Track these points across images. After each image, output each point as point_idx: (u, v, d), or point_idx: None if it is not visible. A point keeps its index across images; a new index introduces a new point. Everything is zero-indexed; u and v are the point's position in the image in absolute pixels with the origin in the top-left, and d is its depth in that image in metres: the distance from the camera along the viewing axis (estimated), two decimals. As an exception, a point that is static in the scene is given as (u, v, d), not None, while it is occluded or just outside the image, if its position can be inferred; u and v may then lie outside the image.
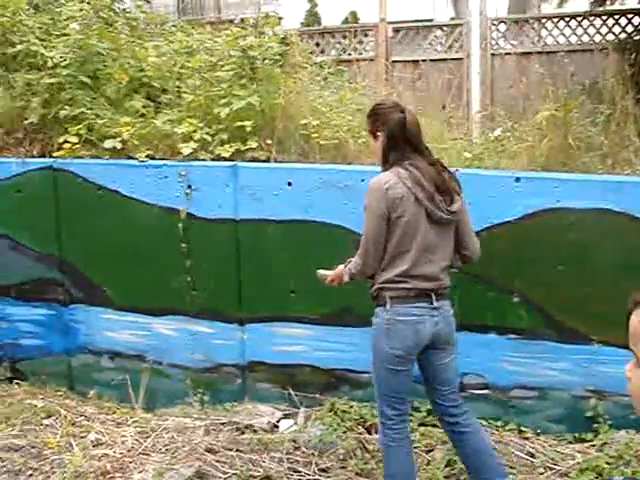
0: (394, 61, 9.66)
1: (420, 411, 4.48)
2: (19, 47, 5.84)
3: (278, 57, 5.57)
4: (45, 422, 4.92)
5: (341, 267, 3.60)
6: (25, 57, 5.88)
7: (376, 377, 3.50)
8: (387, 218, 3.31)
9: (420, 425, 4.46)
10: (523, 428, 4.38)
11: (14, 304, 5.42)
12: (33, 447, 4.58)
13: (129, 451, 4.50)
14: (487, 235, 4.17)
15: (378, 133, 3.45)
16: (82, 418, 4.87)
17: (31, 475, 4.31)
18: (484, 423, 4.35)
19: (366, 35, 10.14)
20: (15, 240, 5.31)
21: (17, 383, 5.47)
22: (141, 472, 4.25)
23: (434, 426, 4.40)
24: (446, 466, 4.08)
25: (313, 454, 4.25)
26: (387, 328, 3.37)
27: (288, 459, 4.27)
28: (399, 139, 3.36)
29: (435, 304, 3.39)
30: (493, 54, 9.61)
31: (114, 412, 5.02)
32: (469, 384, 4.48)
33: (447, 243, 3.45)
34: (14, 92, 5.63)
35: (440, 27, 10.51)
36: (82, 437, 4.65)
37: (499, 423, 4.41)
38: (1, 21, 5.99)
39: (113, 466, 4.31)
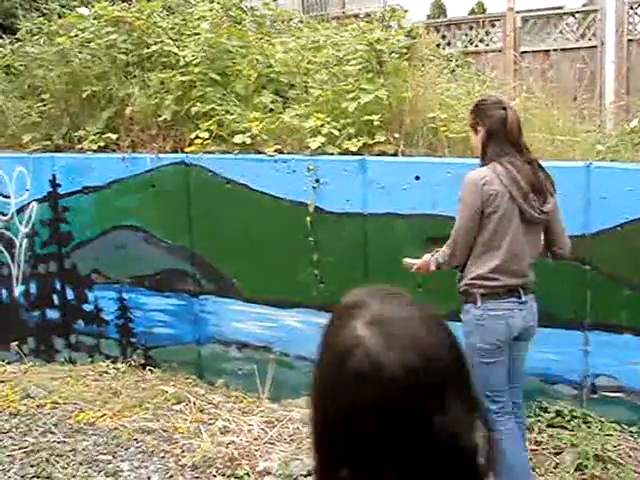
0: (523, 52, 9.35)
1: (548, 412, 4.37)
2: (153, 48, 6.08)
3: (405, 50, 5.54)
4: (175, 408, 5.10)
5: (428, 256, 3.62)
6: (159, 57, 6.11)
7: (475, 374, 3.41)
8: (480, 213, 3.35)
9: (548, 426, 4.33)
10: (661, 435, 4.18)
11: (147, 294, 5.64)
12: (165, 431, 4.77)
13: (255, 439, 4.60)
14: (621, 232, 4.00)
15: (479, 128, 3.48)
16: (210, 406, 5.02)
17: (163, 457, 4.49)
18: (617, 428, 4.18)
19: (493, 26, 9.90)
20: (149, 233, 5.53)
21: (150, 369, 5.69)
22: (266, 460, 4.33)
23: (563, 428, 4.27)
24: (576, 470, 3.94)
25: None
26: (479, 323, 3.41)
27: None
28: (499, 135, 3.38)
29: (523, 298, 3.43)
30: (630, 40, 9.12)
31: (241, 401, 5.14)
32: (601, 386, 4.31)
33: (536, 241, 3.48)
34: (148, 91, 5.85)
35: (572, 14, 10.09)
36: (210, 424, 4.80)
37: (634, 429, 4.22)
38: (138, 24, 6.24)
39: (240, 453, 4.41)
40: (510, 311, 3.40)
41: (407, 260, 3.76)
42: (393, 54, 5.42)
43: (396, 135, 4.88)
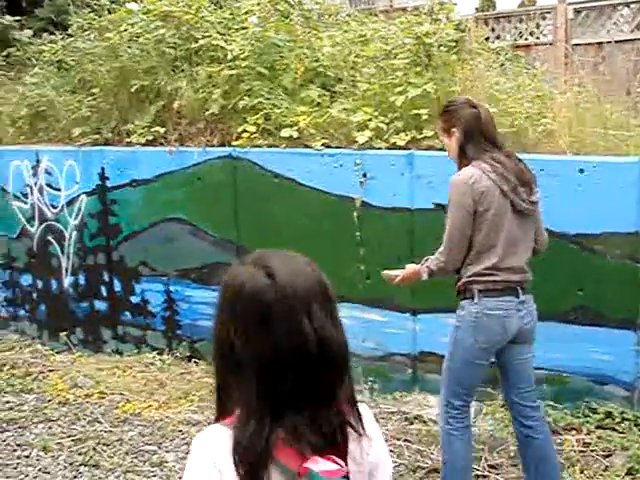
0: (574, 44, 9.18)
1: (598, 413, 4.30)
2: (201, 42, 6.11)
3: (453, 44, 5.47)
4: (220, 400, 5.12)
5: (413, 265, 3.58)
6: (206, 51, 6.14)
7: (449, 368, 3.47)
8: (473, 212, 3.29)
9: (597, 428, 4.25)
10: None
11: (193, 287, 5.69)
12: (209, 423, 4.78)
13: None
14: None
15: (453, 129, 3.42)
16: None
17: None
18: None
19: (544, 18, 9.74)
20: (195, 226, 5.57)
21: (195, 362, 5.75)
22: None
23: (613, 430, 4.18)
24: (627, 474, 3.86)
25: (483, 449, 4.16)
26: (474, 321, 3.35)
27: (457, 452, 4.21)
28: (475, 133, 3.34)
29: (521, 297, 3.36)
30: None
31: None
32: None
33: (529, 235, 3.44)
34: (196, 85, 5.89)
35: (627, 4, 9.87)
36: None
37: None
38: (186, 18, 6.28)
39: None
40: (507, 311, 3.34)
41: (387, 272, 3.69)
42: (441, 48, 5.36)
43: (444, 129, 4.82)
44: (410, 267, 3.59)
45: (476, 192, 3.25)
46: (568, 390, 4.40)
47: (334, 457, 1.28)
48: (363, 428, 1.40)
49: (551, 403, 4.37)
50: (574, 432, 4.25)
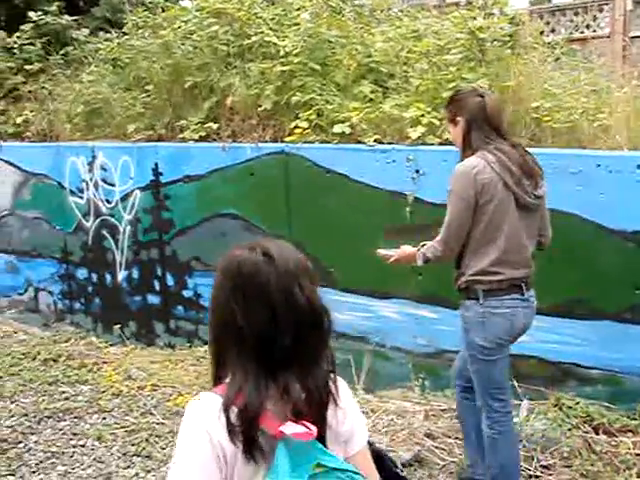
0: (633, 37, 8.99)
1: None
2: (254, 38, 6.16)
3: (507, 38, 5.40)
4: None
5: (408, 247, 3.56)
6: (259, 47, 6.19)
7: (476, 370, 3.44)
8: (475, 204, 3.22)
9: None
10: None
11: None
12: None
13: (350, 429, 4.59)
14: None
15: (457, 118, 3.37)
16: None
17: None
18: None
19: (601, 10, 9.56)
20: (248, 221, 5.60)
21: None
22: (360, 451, 4.32)
23: None
24: None
25: (535, 449, 4.10)
26: (481, 321, 3.32)
27: (509, 452, 4.17)
28: (480, 122, 3.28)
29: (526, 295, 3.34)
30: None
31: (336, 391, 5.15)
32: None
33: (533, 229, 3.38)
34: (249, 81, 5.93)
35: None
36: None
37: None
38: (239, 15, 6.32)
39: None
40: (513, 309, 3.31)
41: (381, 251, 3.68)
42: (495, 42, 5.30)
43: (498, 125, 4.76)
44: (405, 248, 3.58)
45: (478, 183, 3.19)
46: (623, 391, 4.31)
47: (306, 423, 1.47)
48: (339, 398, 1.60)
49: (606, 404, 4.30)
50: (630, 434, 4.16)
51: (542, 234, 3.47)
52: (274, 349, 1.51)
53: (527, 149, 3.41)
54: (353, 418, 1.65)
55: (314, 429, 1.46)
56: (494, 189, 3.20)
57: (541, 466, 4.00)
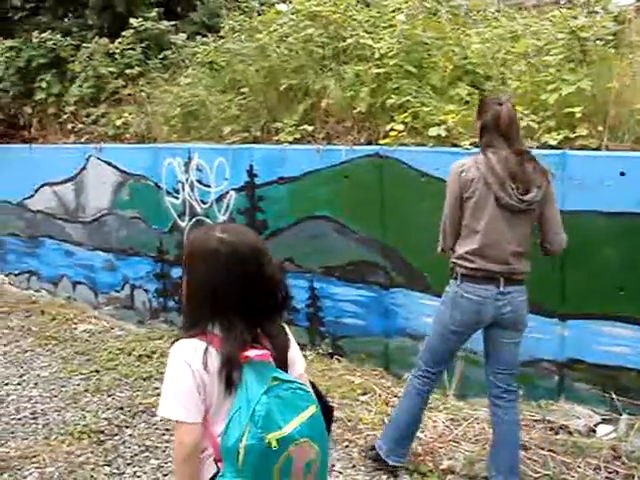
0: None
1: None
2: (349, 41, 6.18)
3: (611, 37, 5.22)
4: (361, 398, 5.17)
5: None
6: (354, 50, 6.20)
7: (432, 332, 3.92)
8: (460, 199, 3.64)
9: None
10: None
11: (338, 284, 5.74)
12: (349, 420, 4.83)
13: (439, 437, 4.55)
14: None
15: (477, 122, 3.77)
16: (396, 399, 4.99)
17: (347, 446, 4.56)
18: None
19: None
20: (341, 224, 5.61)
21: (337, 359, 5.80)
22: (450, 459, 4.27)
23: None
24: None
25: (636, 467, 3.97)
26: (453, 299, 3.73)
27: (606, 468, 4.04)
28: (490, 128, 3.61)
29: (502, 289, 3.62)
30: None
31: (427, 397, 5.10)
32: None
33: (520, 230, 3.62)
34: (344, 83, 5.95)
35: None
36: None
37: None
38: (334, 18, 6.35)
39: (424, 449, 4.38)
40: (483, 299, 3.62)
41: None
42: (598, 42, 5.14)
43: (599, 128, 4.61)
44: None
45: (463, 180, 3.61)
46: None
47: (262, 347, 1.99)
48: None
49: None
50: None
51: (546, 240, 3.71)
52: (243, 306, 1.99)
53: (535, 156, 3.67)
54: (294, 349, 2.18)
55: (270, 351, 1.99)
56: (476, 186, 3.57)
57: (641, 484, 3.87)
